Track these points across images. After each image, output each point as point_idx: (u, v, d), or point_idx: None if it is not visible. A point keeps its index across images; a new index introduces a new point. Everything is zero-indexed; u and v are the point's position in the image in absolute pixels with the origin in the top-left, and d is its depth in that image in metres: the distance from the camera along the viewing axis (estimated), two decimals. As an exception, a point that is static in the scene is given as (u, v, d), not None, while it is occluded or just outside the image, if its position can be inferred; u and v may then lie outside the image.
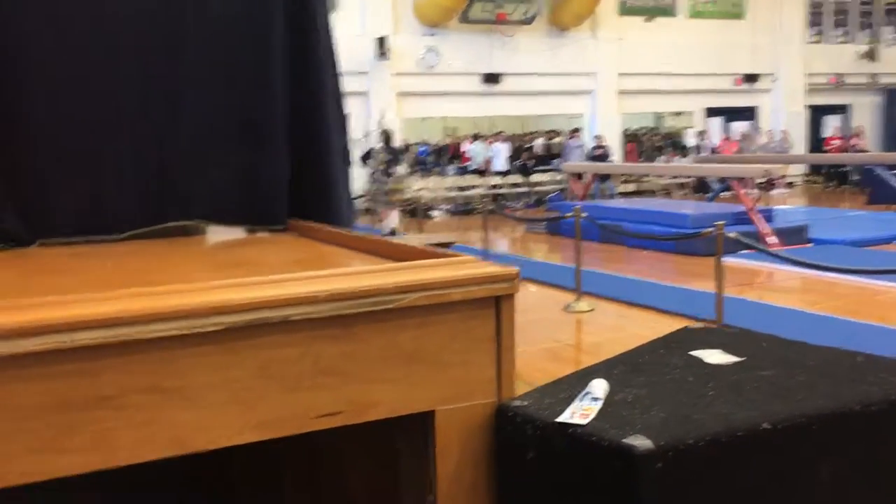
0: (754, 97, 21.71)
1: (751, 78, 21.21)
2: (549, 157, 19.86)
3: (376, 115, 14.11)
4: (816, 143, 21.60)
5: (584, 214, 7.28)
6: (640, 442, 1.37)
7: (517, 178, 18.46)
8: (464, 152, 20.24)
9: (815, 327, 5.92)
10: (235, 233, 2.62)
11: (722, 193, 15.41)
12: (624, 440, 1.38)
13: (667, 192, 18.96)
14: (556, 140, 21.04)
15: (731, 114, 21.44)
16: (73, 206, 2.38)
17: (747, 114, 21.73)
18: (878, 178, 15.89)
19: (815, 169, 21.14)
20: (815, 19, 22.40)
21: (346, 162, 2.90)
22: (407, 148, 16.69)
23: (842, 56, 22.59)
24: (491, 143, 19.23)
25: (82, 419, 1.36)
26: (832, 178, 20.24)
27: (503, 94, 18.45)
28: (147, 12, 2.44)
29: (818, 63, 21.97)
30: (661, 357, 1.86)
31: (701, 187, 18.46)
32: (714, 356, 1.82)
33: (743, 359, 1.79)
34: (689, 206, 12.16)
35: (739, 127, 21.07)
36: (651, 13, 20.01)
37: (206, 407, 1.43)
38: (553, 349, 5.79)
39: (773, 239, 9.72)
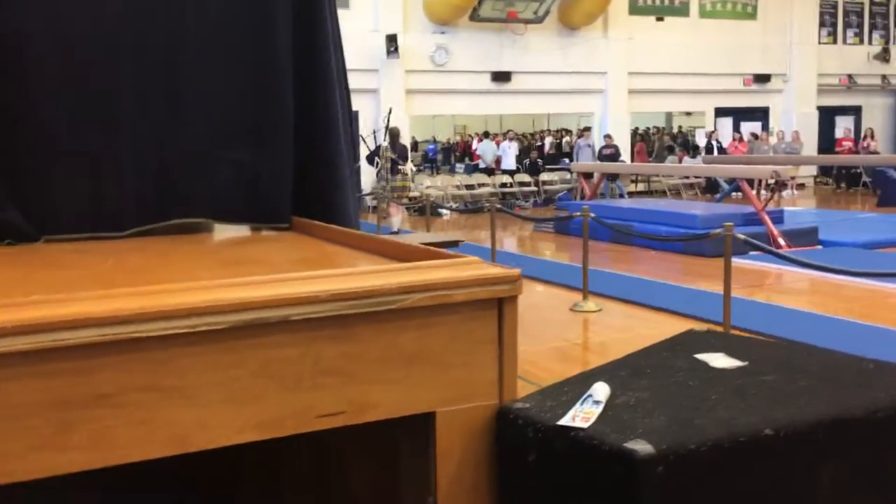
0: (766, 98, 21.61)
1: (762, 78, 21.11)
2: (558, 156, 19.84)
3: (386, 112, 14.09)
4: (828, 144, 21.50)
5: (592, 214, 7.26)
6: (641, 446, 1.36)
7: (526, 177, 18.43)
8: (474, 150, 20.25)
9: (824, 330, 5.88)
10: (239, 231, 2.62)
11: (732, 194, 15.35)
12: (625, 444, 1.37)
13: (676, 192, 18.91)
14: (566, 139, 21.03)
15: (743, 114, 21.36)
16: (74, 205, 2.38)
17: (759, 114, 21.63)
18: (890, 180, 15.83)
19: (826, 170, 21.04)
20: (827, 20, 22.28)
21: (353, 160, 2.89)
22: (415, 146, 16.68)
23: (854, 57, 22.47)
24: (499, 141, 19.22)
25: (81, 417, 1.36)
26: (843, 179, 20.14)
27: (513, 93, 18.42)
28: (147, 12, 2.44)
29: (830, 64, 21.86)
30: (665, 360, 1.85)
31: (710, 188, 18.40)
32: (718, 360, 1.81)
33: (747, 363, 1.78)
34: (698, 207, 12.11)
35: (750, 127, 20.98)
36: (662, 13, 19.95)
37: (206, 406, 1.43)
38: (560, 348, 5.78)
39: (782, 240, 9.67)
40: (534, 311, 6.80)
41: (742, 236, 5.64)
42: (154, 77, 2.45)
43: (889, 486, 1.60)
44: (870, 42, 22.83)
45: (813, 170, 21.14)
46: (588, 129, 18.99)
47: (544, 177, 18.56)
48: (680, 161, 18.81)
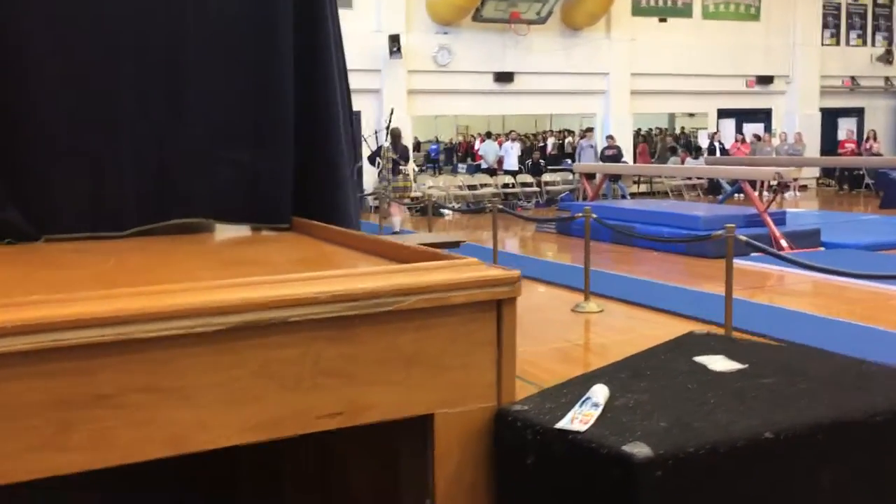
0: (768, 99, 21.59)
1: (765, 80, 21.09)
2: (560, 157, 19.84)
3: (388, 113, 14.09)
4: (830, 146, 21.47)
5: (594, 215, 7.26)
6: (640, 450, 1.36)
7: (528, 178, 18.42)
8: (476, 151, 20.25)
9: (826, 332, 5.88)
10: (240, 231, 2.62)
11: (735, 195, 15.33)
12: (623, 447, 1.37)
13: (678, 193, 18.90)
14: (568, 140, 21.02)
15: (745, 115, 21.34)
16: (74, 205, 2.39)
17: (761, 116, 21.61)
18: (892, 182, 15.81)
19: (829, 172, 21.02)
20: (830, 21, 22.25)
21: (354, 160, 2.90)
22: (418, 146, 16.67)
23: (857, 59, 22.45)
24: (501, 142, 19.21)
25: (80, 417, 1.36)
26: (845, 181, 20.13)
27: (516, 93, 18.41)
28: (147, 12, 2.44)
29: (833, 65, 21.84)
30: (665, 362, 1.84)
31: (713, 189, 18.39)
32: (718, 362, 1.81)
33: (746, 366, 1.77)
34: (701, 208, 12.11)
35: (752, 129, 20.97)
36: (665, 14, 19.93)
37: (205, 407, 1.43)
38: (561, 349, 5.78)
39: (784, 242, 9.66)
40: (535, 311, 6.80)
41: (744, 238, 5.63)
42: (154, 77, 2.45)
43: (888, 490, 1.60)
44: (873, 44, 22.80)
45: (815, 171, 21.11)
46: (590, 129, 18.98)
47: (546, 177, 18.56)
48: (682, 162, 18.79)
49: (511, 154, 18.55)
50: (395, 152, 12.95)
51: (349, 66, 2.97)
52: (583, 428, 1.46)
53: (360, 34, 15.26)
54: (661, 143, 20.94)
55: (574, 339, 6.13)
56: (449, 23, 17.51)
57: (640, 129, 21.33)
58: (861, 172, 19.20)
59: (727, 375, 1.73)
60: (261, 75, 2.57)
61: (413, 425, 1.63)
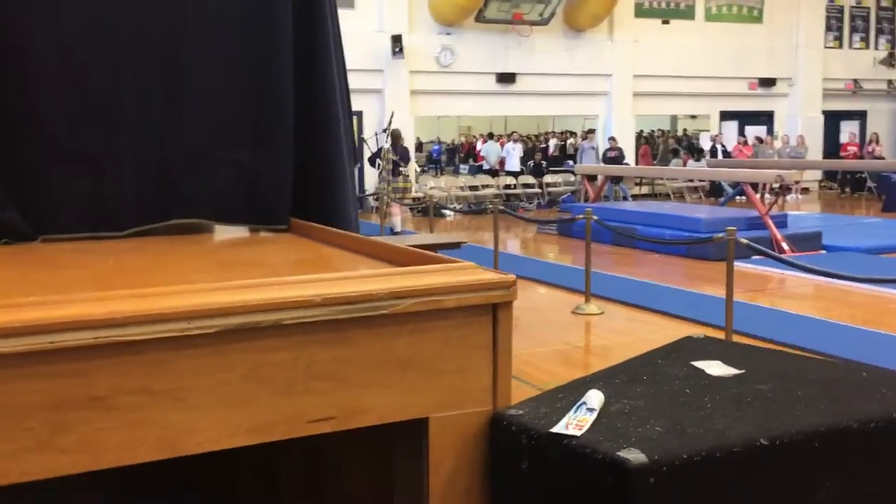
0: (771, 101, 21.57)
1: (767, 82, 21.07)
2: (562, 158, 19.82)
3: (389, 114, 14.09)
4: (833, 148, 21.45)
5: (595, 217, 7.25)
6: (634, 456, 1.35)
7: (530, 179, 18.42)
8: (478, 151, 20.24)
9: (827, 335, 5.86)
10: (239, 231, 2.62)
11: (736, 198, 15.32)
12: (617, 454, 1.37)
13: (680, 195, 18.88)
14: (570, 141, 21.01)
15: (748, 118, 21.32)
16: (74, 205, 2.38)
17: (763, 118, 21.59)
18: (894, 185, 15.77)
19: (831, 175, 20.99)
20: (833, 24, 22.23)
21: (353, 161, 2.89)
22: (420, 147, 16.66)
23: (860, 62, 22.42)
24: (503, 143, 19.20)
25: (73, 419, 1.36)
26: (847, 184, 20.10)
27: (518, 94, 18.40)
28: (147, 12, 2.44)
29: (836, 68, 21.81)
30: (661, 367, 1.84)
31: (714, 191, 18.37)
32: (715, 368, 1.80)
33: (743, 371, 1.77)
34: (702, 211, 12.09)
35: (755, 131, 20.95)
36: (668, 16, 19.92)
37: (197, 409, 1.42)
38: (561, 351, 5.77)
39: (786, 245, 9.65)
40: (536, 313, 6.80)
41: (745, 240, 5.62)
42: (154, 77, 2.45)
43: (883, 497, 1.59)
44: (876, 47, 22.78)
45: (818, 174, 21.09)
46: (592, 131, 18.97)
47: (548, 179, 18.55)
48: (684, 164, 18.78)
49: (513, 155, 18.55)
50: (396, 153, 12.94)
51: (351, 66, 2.97)
52: (578, 433, 1.46)
53: (362, 34, 15.27)
54: (664, 145, 20.93)
55: (574, 341, 6.12)
56: (451, 23, 17.50)
57: (642, 131, 21.31)
58: (863, 175, 19.18)
59: (723, 381, 1.72)
60: (260, 75, 2.57)
61: (408, 429, 1.62)
